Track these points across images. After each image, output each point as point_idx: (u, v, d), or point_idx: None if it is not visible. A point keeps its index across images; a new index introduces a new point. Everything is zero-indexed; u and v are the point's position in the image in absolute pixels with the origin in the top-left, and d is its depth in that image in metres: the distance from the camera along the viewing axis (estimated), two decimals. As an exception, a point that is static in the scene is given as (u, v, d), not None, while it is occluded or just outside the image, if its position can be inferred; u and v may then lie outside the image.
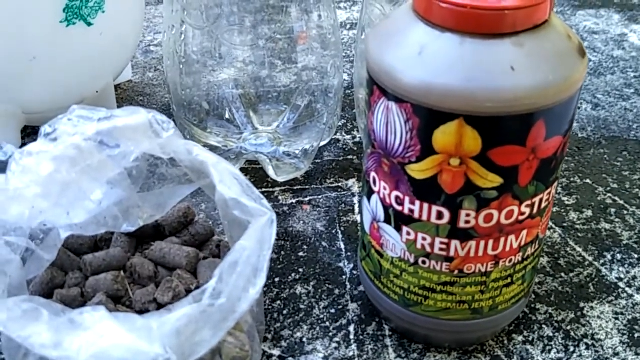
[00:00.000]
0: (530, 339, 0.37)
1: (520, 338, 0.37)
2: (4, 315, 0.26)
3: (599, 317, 0.38)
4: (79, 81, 0.50)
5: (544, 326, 0.38)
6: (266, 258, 0.29)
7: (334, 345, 0.36)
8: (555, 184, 0.32)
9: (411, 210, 0.31)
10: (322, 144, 0.52)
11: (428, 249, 0.32)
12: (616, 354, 0.36)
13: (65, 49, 0.47)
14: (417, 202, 0.30)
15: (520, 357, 0.36)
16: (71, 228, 0.33)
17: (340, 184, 0.49)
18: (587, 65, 0.30)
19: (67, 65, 0.48)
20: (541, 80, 0.27)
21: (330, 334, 0.37)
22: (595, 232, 0.44)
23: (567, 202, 0.47)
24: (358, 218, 0.45)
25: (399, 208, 0.31)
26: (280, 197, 0.47)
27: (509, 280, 0.33)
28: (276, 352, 0.36)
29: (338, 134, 0.54)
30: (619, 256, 0.42)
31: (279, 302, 0.39)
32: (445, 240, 0.31)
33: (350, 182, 0.49)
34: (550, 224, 0.45)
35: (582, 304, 0.39)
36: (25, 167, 0.30)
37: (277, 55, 0.47)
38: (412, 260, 0.32)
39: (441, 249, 0.31)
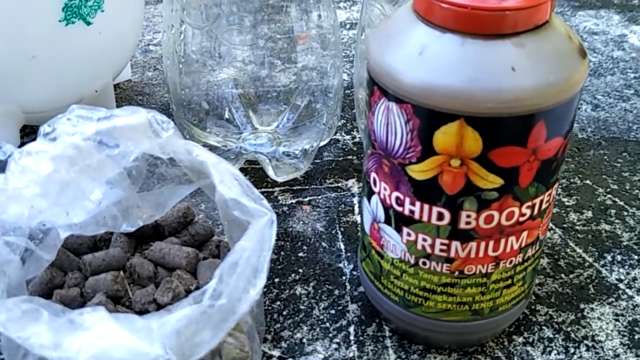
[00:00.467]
0: (531, 340, 0.37)
1: (521, 339, 0.37)
2: (3, 315, 0.26)
3: (599, 318, 0.38)
4: (78, 80, 0.50)
5: (544, 327, 0.37)
6: (266, 259, 0.29)
7: (334, 346, 0.36)
8: (556, 185, 0.32)
9: (411, 211, 0.31)
10: (322, 144, 0.51)
11: (428, 250, 0.31)
12: (616, 356, 0.36)
13: (64, 48, 0.47)
14: (418, 203, 0.30)
15: (521, 359, 0.36)
16: (70, 228, 0.33)
17: (340, 184, 0.49)
18: (588, 65, 0.30)
19: (66, 64, 0.48)
20: (542, 81, 0.27)
21: (330, 334, 0.37)
22: (595, 233, 0.44)
23: (567, 203, 0.47)
24: (358, 218, 0.45)
25: (399, 209, 0.31)
26: (279, 197, 0.47)
27: (510, 281, 0.33)
28: (276, 352, 0.36)
29: (338, 134, 0.54)
30: (619, 257, 0.42)
31: (278, 302, 0.39)
32: (446, 241, 0.31)
33: (350, 182, 0.49)
34: (551, 225, 0.45)
35: (582, 305, 0.39)
36: (25, 166, 0.30)
37: (276, 55, 0.47)
38: (412, 261, 0.32)
39: (441, 250, 0.31)
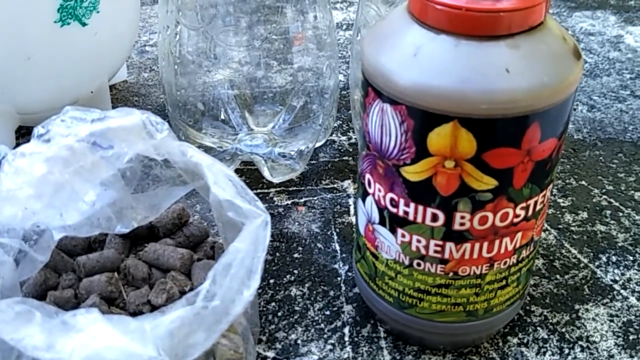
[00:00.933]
0: (525, 341, 0.37)
1: (515, 340, 0.37)
2: (-4, 317, 0.26)
3: (593, 319, 0.38)
4: (74, 81, 0.50)
5: (538, 328, 0.38)
6: (260, 260, 0.29)
7: (329, 347, 0.36)
8: (550, 186, 0.32)
9: (406, 212, 0.31)
10: (318, 145, 0.51)
11: (423, 251, 0.31)
12: (611, 356, 0.36)
13: (59, 49, 0.47)
14: (412, 204, 0.30)
15: (515, 359, 0.36)
16: (64, 229, 0.33)
17: (335, 185, 0.49)
18: (582, 67, 0.30)
19: (62, 65, 0.48)
20: (536, 82, 0.27)
21: (325, 335, 0.37)
22: (590, 234, 0.44)
23: (562, 204, 0.47)
24: (353, 219, 0.45)
25: (394, 210, 0.31)
26: (275, 198, 0.47)
27: (504, 282, 0.33)
28: (270, 354, 0.36)
29: (334, 135, 0.54)
30: (614, 258, 0.42)
31: (273, 303, 0.39)
32: (440, 243, 0.31)
33: (346, 183, 0.49)
34: (546, 225, 0.45)
35: (577, 306, 0.39)
36: (18, 168, 0.30)
37: (272, 55, 0.47)
38: (406, 262, 0.32)
39: (436, 251, 0.31)
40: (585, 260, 0.42)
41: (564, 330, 0.37)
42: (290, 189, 0.48)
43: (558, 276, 0.41)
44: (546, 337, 0.37)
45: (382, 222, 0.32)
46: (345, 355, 0.36)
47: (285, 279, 0.41)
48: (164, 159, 0.34)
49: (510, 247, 0.31)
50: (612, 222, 0.45)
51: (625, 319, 0.38)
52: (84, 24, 0.47)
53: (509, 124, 0.27)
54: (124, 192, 0.34)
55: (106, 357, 0.25)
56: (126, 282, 0.35)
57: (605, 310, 0.39)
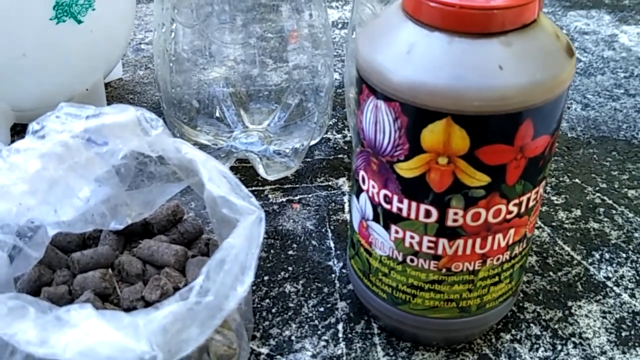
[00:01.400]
0: (518, 337, 0.37)
1: (508, 336, 0.37)
2: (-11, 312, 0.26)
3: (586, 315, 0.38)
4: (69, 79, 0.50)
5: (531, 325, 0.38)
6: (254, 256, 0.29)
7: (323, 343, 0.36)
8: (543, 183, 0.32)
9: (399, 209, 0.31)
10: (313, 142, 0.52)
11: (416, 247, 0.32)
12: (603, 353, 0.36)
13: (55, 46, 0.47)
14: (405, 201, 0.30)
15: (508, 356, 0.36)
16: (59, 225, 0.33)
17: (330, 183, 0.49)
18: (575, 64, 0.30)
19: (57, 62, 0.48)
20: (529, 79, 0.27)
21: (319, 332, 0.37)
22: (583, 232, 0.44)
23: (556, 202, 0.47)
24: (348, 217, 0.45)
25: (388, 206, 0.31)
26: (270, 196, 0.47)
27: (497, 278, 0.33)
28: (264, 350, 0.36)
29: (329, 132, 0.54)
30: (607, 255, 0.43)
31: (267, 300, 0.39)
32: (433, 239, 0.31)
33: (341, 181, 0.49)
34: (539, 223, 0.45)
35: (570, 303, 0.39)
36: (13, 164, 0.30)
37: (268, 53, 0.47)
38: (400, 259, 0.32)
39: (429, 248, 0.31)
40: (579, 258, 0.42)
41: (556, 326, 0.38)
42: (285, 186, 0.48)
43: (551, 273, 0.41)
44: (539, 333, 0.37)
45: (375, 219, 0.32)
46: (339, 352, 0.36)
47: (279, 275, 0.41)
48: (158, 155, 0.34)
49: (503, 244, 0.32)
50: (606, 219, 0.46)
51: (617, 316, 0.38)
52: (79, 22, 0.47)
53: (501, 120, 0.28)
54: (118, 189, 0.34)
55: (99, 352, 0.25)
56: (120, 278, 0.35)
57: (598, 307, 0.39)
